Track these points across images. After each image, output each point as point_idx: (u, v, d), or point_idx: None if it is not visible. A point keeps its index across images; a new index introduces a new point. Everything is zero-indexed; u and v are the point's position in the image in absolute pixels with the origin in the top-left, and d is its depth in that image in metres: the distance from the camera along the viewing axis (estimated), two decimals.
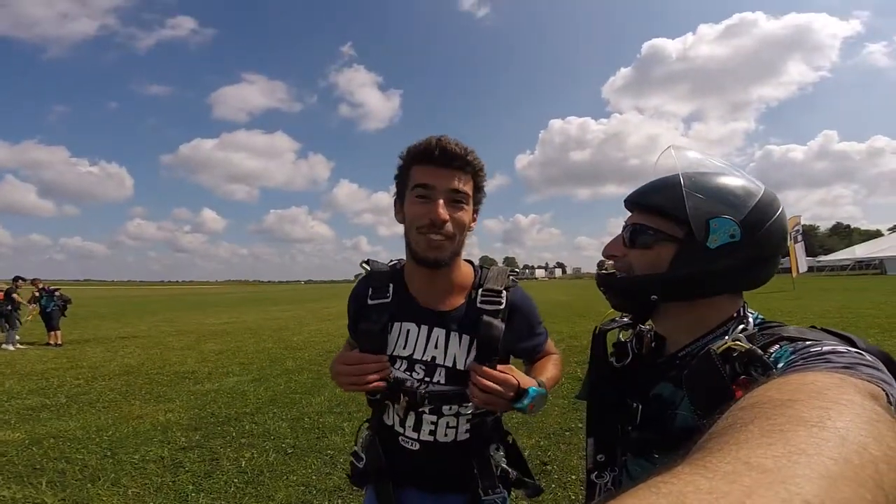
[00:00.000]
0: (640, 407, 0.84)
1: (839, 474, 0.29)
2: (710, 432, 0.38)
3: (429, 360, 1.12)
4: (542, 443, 3.81)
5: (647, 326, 0.95)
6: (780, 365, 0.59)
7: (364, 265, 1.24)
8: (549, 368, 1.21)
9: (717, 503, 0.26)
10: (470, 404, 1.11)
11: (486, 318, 1.11)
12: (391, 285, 1.17)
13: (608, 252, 0.89)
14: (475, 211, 1.15)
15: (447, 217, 1.04)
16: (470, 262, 1.23)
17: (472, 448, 1.16)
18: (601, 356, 0.96)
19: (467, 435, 1.15)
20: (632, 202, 0.88)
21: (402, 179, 1.12)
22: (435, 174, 1.05)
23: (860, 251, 48.34)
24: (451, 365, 1.11)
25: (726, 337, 0.71)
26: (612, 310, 0.95)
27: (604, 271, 0.90)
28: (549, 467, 3.34)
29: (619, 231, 0.91)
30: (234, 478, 3.34)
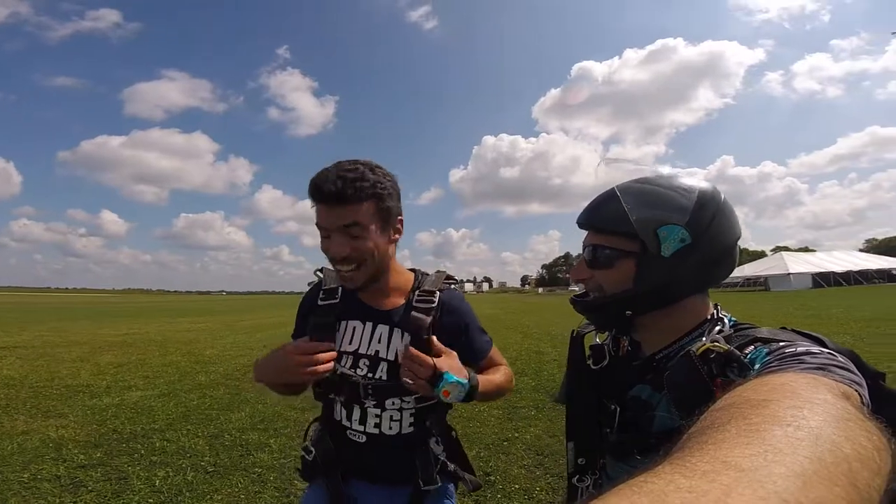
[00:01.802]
0: (618, 409, 0.85)
1: (813, 472, 0.30)
2: (690, 432, 0.40)
3: (372, 354, 1.19)
4: (482, 453, 3.79)
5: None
6: (756, 366, 0.61)
7: (318, 273, 1.31)
8: (495, 375, 1.25)
9: (697, 501, 0.27)
10: (411, 398, 1.18)
11: (414, 313, 1.19)
12: (340, 289, 1.24)
13: (576, 278, 0.90)
14: (395, 222, 1.17)
15: (345, 253, 1.09)
16: (414, 270, 1.33)
17: (415, 441, 1.21)
18: (579, 359, 0.98)
19: (411, 428, 1.20)
20: (583, 223, 0.88)
21: None
22: (325, 214, 1.08)
23: (748, 270, 52.94)
24: (393, 359, 1.17)
25: (703, 338, 0.73)
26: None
27: (577, 295, 0.92)
28: (491, 477, 3.32)
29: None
30: (148, 497, 3.01)
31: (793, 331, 0.69)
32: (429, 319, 1.18)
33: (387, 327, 1.20)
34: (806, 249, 77.65)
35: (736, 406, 0.42)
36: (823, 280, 42.88)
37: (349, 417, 1.20)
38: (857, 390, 0.49)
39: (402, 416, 1.20)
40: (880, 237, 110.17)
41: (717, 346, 0.66)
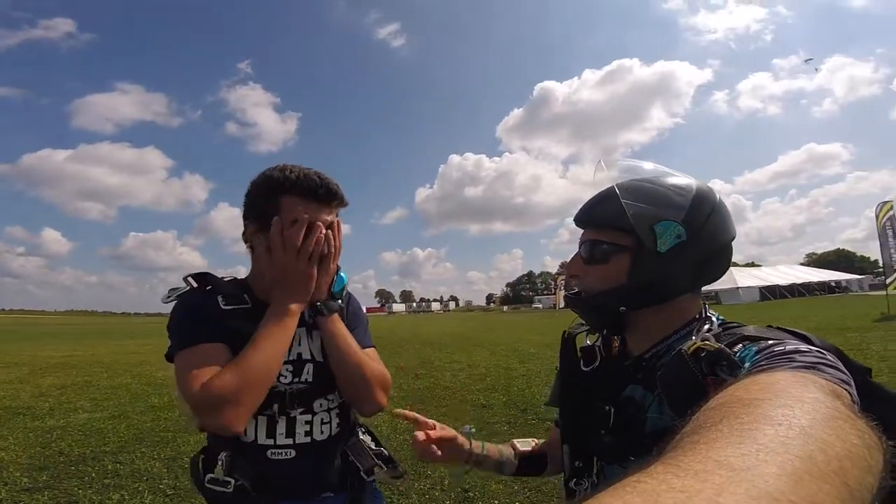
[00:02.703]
0: (612, 410, 0.84)
1: (805, 471, 0.30)
2: (683, 432, 0.40)
3: (295, 357, 1.12)
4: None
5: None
6: (746, 364, 0.61)
7: (189, 279, 1.14)
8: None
9: (689, 501, 0.27)
10: (334, 394, 1.15)
11: (329, 303, 1.16)
12: (245, 294, 1.13)
13: (570, 272, 0.90)
14: None
15: (336, 220, 1.14)
16: None
17: (345, 438, 1.18)
18: (570, 360, 0.96)
19: (339, 429, 1.17)
20: (581, 220, 0.90)
21: (267, 207, 1.08)
22: (318, 210, 1.09)
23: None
24: (320, 359, 1.14)
25: (693, 336, 0.73)
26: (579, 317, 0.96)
27: (571, 292, 0.91)
28: (470, 494, 3.25)
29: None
30: None
31: (779, 328, 0.70)
32: (339, 305, 1.18)
33: (303, 328, 1.14)
34: (752, 264, 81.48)
35: (727, 405, 0.42)
36: (770, 293, 45.05)
37: (272, 433, 1.09)
38: (846, 389, 0.50)
39: (330, 416, 1.15)
40: (819, 251, 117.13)
41: (707, 345, 0.66)
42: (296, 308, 1.08)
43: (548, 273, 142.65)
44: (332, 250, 1.12)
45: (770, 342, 0.63)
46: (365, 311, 1.36)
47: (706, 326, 0.77)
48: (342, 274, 1.20)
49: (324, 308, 1.12)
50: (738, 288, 45.33)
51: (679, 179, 0.85)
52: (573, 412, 0.94)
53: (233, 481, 1.04)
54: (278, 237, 1.06)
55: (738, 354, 0.64)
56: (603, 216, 0.85)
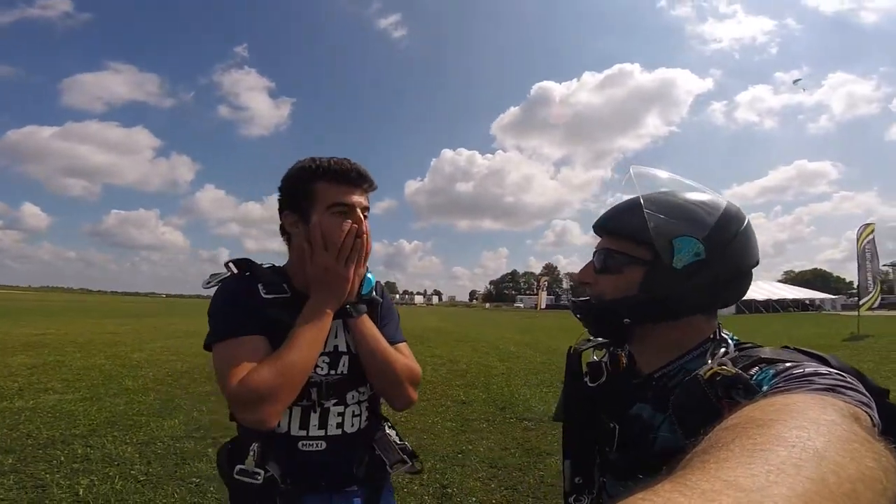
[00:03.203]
0: (618, 428, 0.83)
1: (816, 493, 0.30)
2: (694, 451, 0.39)
3: (331, 350, 1.15)
4: (437, 465, 3.72)
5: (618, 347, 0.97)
6: (763, 388, 0.59)
7: (230, 265, 1.16)
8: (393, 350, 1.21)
9: None
10: (366, 387, 1.18)
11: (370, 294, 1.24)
12: (285, 284, 1.16)
13: (581, 279, 0.88)
14: None
15: (366, 226, 1.16)
16: None
17: (373, 431, 1.21)
18: (576, 376, 0.95)
19: (367, 422, 1.20)
20: (600, 227, 0.88)
21: (303, 195, 1.14)
22: (353, 193, 1.14)
23: None
24: (355, 351, 1.16)
25: (709, 360, 0.71)
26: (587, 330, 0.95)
27: (580, 298, 0.89)
28: (448, 490, 3.26)
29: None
30: None
31: (796, 350, 0.68)
32: (381, 300, 1.27)
33: (339, 321, 1.17)
34: None
35: (741, 426, 0.41)
36: (746, 307, 45.85)
37: (304, 424, 1.11)
38: (866, 411, 0.48)
39: (361, 409, 1.18)
40: (797, 269, 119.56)
41: (724, 370, 0.64)
42: (334, 307, 1.11)
43: (531, 273, 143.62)
44: (364, 252, 1.15)
45: (788, 364, 0.61)
46: None
47: (722, 350, 0.75)
48: (370, 275, 1.23)
49: (353, 310, 1.15)
50: None
51: (709, 197, 0.83)
52: (577, 428, 0.93)
53: (262, 473, 1.04)
54: (318, 238, 1.10)
55: (754, 378, 0.62)
56: (623, 225, 0.84)
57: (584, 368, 0.95)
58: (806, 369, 0.57)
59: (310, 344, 1.05)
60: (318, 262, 1.10)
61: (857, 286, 17.06)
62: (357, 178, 1.15)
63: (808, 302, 52.57)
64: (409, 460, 1.23)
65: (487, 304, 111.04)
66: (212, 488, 3.11)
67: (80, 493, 2.93)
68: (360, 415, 1.18)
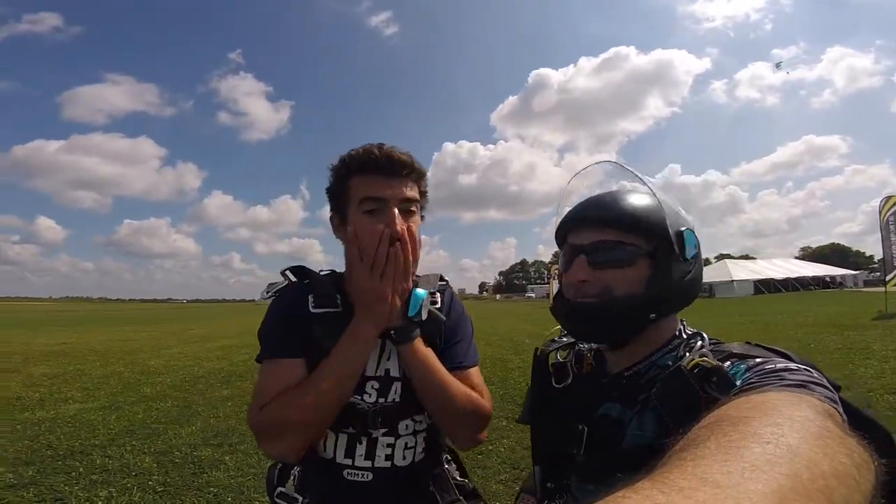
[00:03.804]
0: (586, 429, 0.80)
1: (790, 489, 0.31)
2: (672, 450, 0.40)
3: (382, 374, 1.02)
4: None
5: (587, 345, 0.93)
6: (737, 382, 0.60)
7: (289, 273, 1.08)
8: (454, 380, 1.02)
9: None
10: (423, 415, 1.04)
11: (430, 309, 1.05)
12: (338, 295, 1.03)
13: (581, 277, 0.78)
14: (422, 217, 1.09)
15: (405, 227, 0.97)
16: None
17: (429, 465, 1.07)
18: (543, 379, 0.93)
19: (423, 454, 1.06)
20: (593, 218, 0.80)
21: (340, 193, 1.02)
22: (384, 185, 0.98)
23: None
24: (408, 377, 1.02)
25: (687, 353, 0.71)
26: (555, 329, 0.93)
27: (585, 300, 0.78)
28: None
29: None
30: None
31: (759, 346, 0.70)
32: (444, 318, 1.07)
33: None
34: (747, 257, 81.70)
35: (717, 423, 0.42)
36: (764, 286, 45.22)
37: (350, 453, 1.00)
38: (835, 407, 0.50)
39: (416, 440, 1.04)
40: (814, 245, 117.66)
41: (706, 361, 0.65)
42: (372, 333, 0.96)
43: (541, 262, 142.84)
44: (407, 264, 0.97)
45: (758, 360, 0.63)
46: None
47: (699, 343, 0.75)
48: (418, 291, 1.02)
49: (397, 336, 0.99)
50: (732, 281, 45.56)
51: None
52: (544, 431, 0.91)
53: (300, 499, 1.00)
54: (354, 248, 0.96)
55: (729, 372, 0.63)
56: (631, 215, 0.77)
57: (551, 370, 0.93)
58: (777, 365, 0.59)
59: (339, 377, 0.94)
60: (354, 278, 0.97)
61: (882, 261, 16.64)
62: (386, 165, 0.98)
63: (828, 279, 51.54)
64: (464, 501, 1.10)
65: (498, 296, 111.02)
66: (229, 498, 3.09)
67: None
68: (413, 447, 1.04)
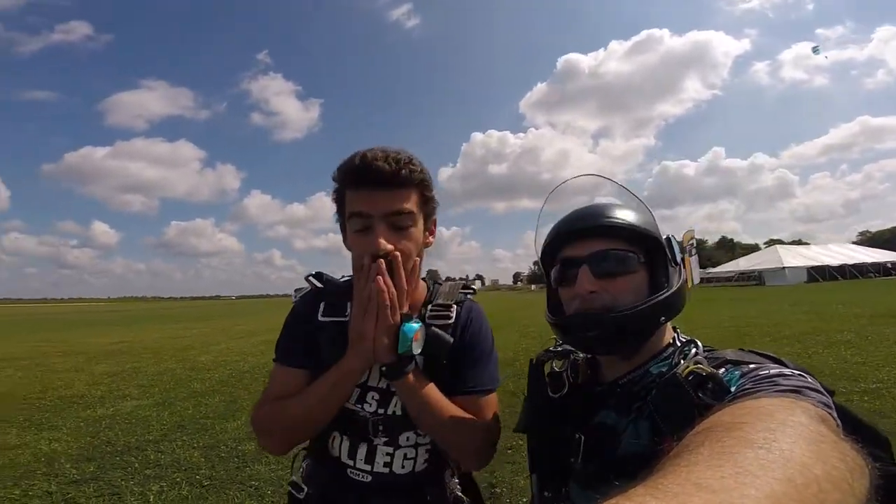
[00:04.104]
0: (583, 438, 0.82)
1: (783, 493, 0.31)
2: (667, 456, 0.40)
3: (384, 386, 1.02)
4: None
5: (582, 354, 0.94)
6: (732, 388, 0.61)
7: (311, 279, 1.09)
8: (452, 407, 0.99)
9: None
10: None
11: (432, 329, 1.00)
12: (349, 303, 1.00)
13: (591, 288, 0.79)
14: (430, 224, 1.07)
15: (390, 248, 0.92)
16: (424, 279, 1.14)
17: (430, 477, 1.08)
18: (539, 388, 0.94)
19: (426, 465, 1.07)
20: (595, 227, 0.81)
21: (340, 204, 1.01)
22: (370, 199, 0.93)
23: (743, 264, 52.51)
24: None
25: (682, 361, 0.73)
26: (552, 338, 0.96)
27: (597, 309, 0.79)
28: (497, 490, 3.24)
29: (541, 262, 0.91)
30: None
31: (751, 352, 0.70)
32: (451, 340, 1.01)
33: None
34: (799, 242, 77.63)
35: (711, 429, 0.43)
36: (819, 274, 42.85)
37: (352, 455, 1.04)
38: (829, 412, 0.50)
39: (416, 452, 1.06)
40: (874, 229, 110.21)
41: (701, 368, 0.66)
42: (355, 367, 0.95)
43: None
44: (393, 298, 0.91)
45: (752, 366, 0.63)
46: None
47: (693, 350, 0.76)
48: (410, 325, 0.93)
49: (386, 375, 0.96)
50: (784, 268, 43.40)
51: None
52: (542, 440, 0.91)
53: (305, 489, 1.07)
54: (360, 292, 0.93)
55: (723, 378, 0.64)
56: (621, 225, 0.80)
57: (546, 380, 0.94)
58: (771, 370, 0.60)
59: (322, 399, 0.96)
60: (352, 316, 0.95)
61: None
62: (368, 176, 0.91)
63: (890, 265, 48.27)
64: None
65: (533, 286, 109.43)
66: (269, 491, 3.25)
67: (151, 499, 3.14)
68: (414, 458, 1.05)
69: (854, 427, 0.53)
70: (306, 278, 1.10)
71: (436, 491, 1.08)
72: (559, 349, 0.97)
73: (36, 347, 12.33)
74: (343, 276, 1.12)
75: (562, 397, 0.90)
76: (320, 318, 1.04)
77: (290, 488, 1.12)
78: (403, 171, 0.93)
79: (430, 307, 1.07)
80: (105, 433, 4.63)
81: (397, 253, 0.93)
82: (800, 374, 0.59)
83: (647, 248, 0.80)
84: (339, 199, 1.00)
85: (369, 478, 1.04)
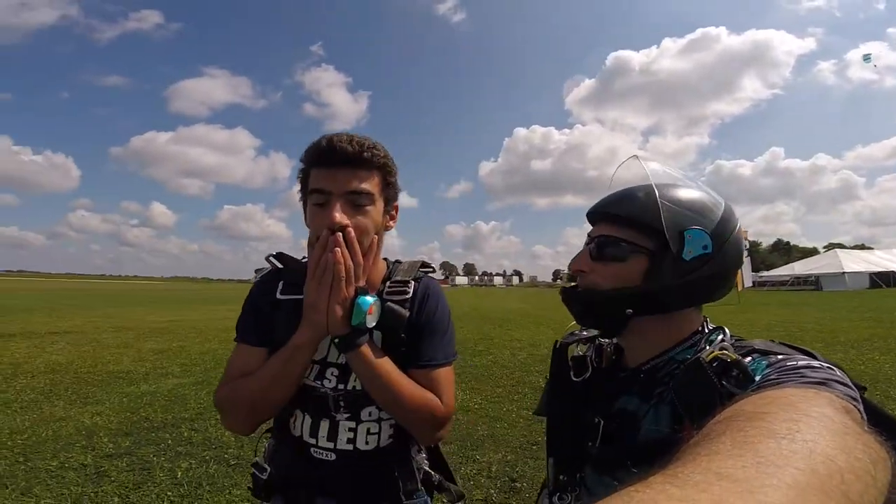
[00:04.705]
0: (602, 422, 0.82)
1: (806, 484, 0.30)
2: (687, 444, 0.39)
3: (343, 362, 1.03)
4: (508, 457, 3.59)
5: (607, 339, 0.93)
6: (756, 377, 0.60)
7: (272, 259, 1.12)
8: (404, 378, 1.00)
9: None
10: None
11: (388, 304, 1.03)
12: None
13: (576, 267, 0.85)
14: (391, 209, 1.09)
15: (346, 222, 0.95)
16: (386, 259, 1.17)
17: (395, 452, 1.09)
18: (561, 371, 0.94)
19: (391, 440, 1.08)
20: (599, 213, 0.86)
21: (303, 184, 1.04)
22: (330, 176, 0.97)
23: (798, 268, 49.67)
24: None
25: (707, 346, 0.71)
26: (574, 322, 0.92)
27: (570, 285, 0.87)
28: (518, 484, 3.17)
29: (580, 243, 0.90)
30: (168, 490, 3.04)
31: (781, 343, 0.69)
32: (406, 313, 1.04)
33: None
34: (863, 247, 73.08)
35: (733, 418, 0.42)
36: (882, 280, 40.09)
37: (314, 433, 1.05)
38: (855, 405, 0.49)
39: (380, 427, 1.06)
40: None
41: (725, 354, 0.65)
42: (306, 340, 0.96)
43: None
44: (349, 270, 0.94)
45: (780, 357, 0.62)
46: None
47: (720, 337, 0.75)
48: (364, 299, 0.96)
49: (339, 346, 0.98)
50: (843, 273, 40.83)
51: (709, 194, 0.82)
52: (561, 423, 0.92)
53: (268, 469, 1.09)
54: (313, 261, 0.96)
55: (749, 367, 0.63)
56: (630, 211, 0.81)
57: (569, 363, 0.94)
58: (798, 362, 0.59)
59: (275, 375, 0.97)
60: (306, 287, 0.97)
61: None
62: (331, 156, 0.96)
63: None
64: (424, 493, 1.10)
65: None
66: None
67: (179, 475, 3.25)
68: (378, 433, 1.06)
69: (879, 421, 0.50)
70: (267, 258, 1.13)
71: (403, 467, 1.09)
72: (584, 333, 0.97)
73: (91, 322, 13.03)
74: (304, 257, 1.12)
75: (584, 381, 0.91)
76: (278, 296, 1.07)
77: (252, 469, 1.12)
78: (366, 154, 0.98)
79: (387, 283, 1.10)
80: (144, 409, 4.83)
81: (351, 228, 0.95)
82: (829, 367, 0.58)
83: (655, 239, 0.78)
84: (304, 178, 1.03)
85: (333, 456, 1.05)
